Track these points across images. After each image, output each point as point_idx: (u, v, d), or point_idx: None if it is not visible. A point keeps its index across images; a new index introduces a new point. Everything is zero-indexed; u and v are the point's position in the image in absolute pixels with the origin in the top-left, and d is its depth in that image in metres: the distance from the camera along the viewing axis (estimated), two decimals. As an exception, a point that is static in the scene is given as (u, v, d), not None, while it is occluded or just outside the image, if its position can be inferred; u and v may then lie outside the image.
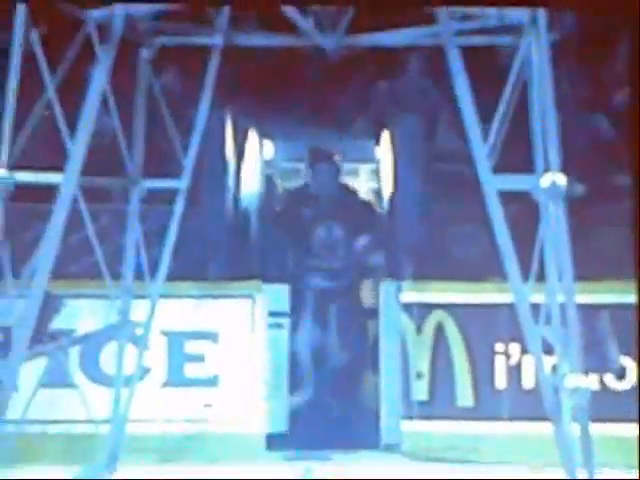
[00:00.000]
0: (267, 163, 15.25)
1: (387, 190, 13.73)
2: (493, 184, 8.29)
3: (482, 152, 8.34)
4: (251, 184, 14.28)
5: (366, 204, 13.30)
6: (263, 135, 14.71)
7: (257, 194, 14.43)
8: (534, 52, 8.52)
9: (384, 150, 13.94)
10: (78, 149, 8.54)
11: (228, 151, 13.12)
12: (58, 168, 8.55)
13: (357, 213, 12.67)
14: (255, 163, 14.56)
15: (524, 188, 8.50)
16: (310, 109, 13.53)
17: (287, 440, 11.32)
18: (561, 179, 8.33)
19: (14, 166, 8.51)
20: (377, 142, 14.16)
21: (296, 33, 10.03)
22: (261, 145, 14.89)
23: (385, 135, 13.76)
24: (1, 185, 8.47)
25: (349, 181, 14.37)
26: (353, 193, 13.21)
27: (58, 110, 8.68)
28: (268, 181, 15.08)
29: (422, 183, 12.54)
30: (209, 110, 10.69)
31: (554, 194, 8.36)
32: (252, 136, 14.26)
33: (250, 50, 10.77)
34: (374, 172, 14.91)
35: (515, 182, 8.54)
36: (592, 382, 8.32)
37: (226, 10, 9.91)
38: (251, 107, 13.36)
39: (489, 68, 9.02)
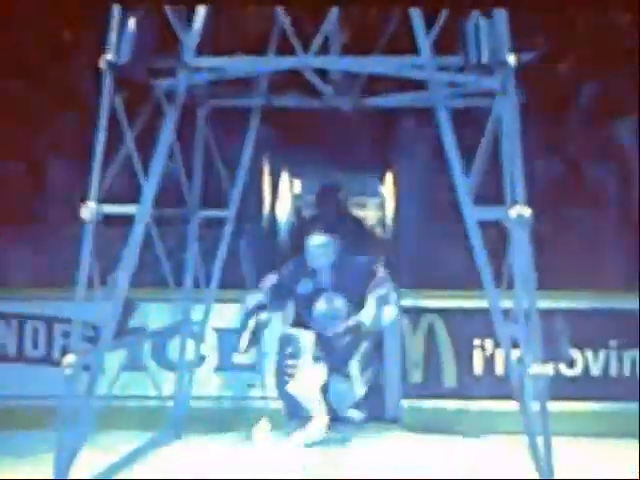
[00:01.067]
0: (295, 197, 15.33)
1: (389, 218, 13.80)
2: (473, 215, 8.38)
3: (464, 189, 8.40)
4: (283, 213, 14.35)
5: (365, 227, 13.19)
6: (293, 175, 14.80)
7: (288, 221, 14.50)
8: (504, 111, 8.53)
9: (387, 187, 13.99)
10: (150, 186, 8.66)
11: (266, 187, 13.20)
12: (135, 201, 8.69)
13: (357, 235, 12.48)
14: (286, 197, 14.64)
15: (497, 217, 8.58)
16: (330, 155, 13.53)
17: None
18: (526, 210, 8.39)
19: (102, 200, 8.62)
20: (382, 181, 14.21)
21: (320, 97, 10.16)
22: (291, 183, 14.99)
23: (388, 175, 13.81)
24: (92, 215, 8.58)
25: (359, 211, 14.47)
26: (355, 220, 13.10)
27: (135, 155, 8.79)
28: (297, 211, 15.14)
29: (417, 212, 12.58)
30: (252, 155, 10.88)
31: (520, 222, 8.42)
32: (284, 176, 14.36)
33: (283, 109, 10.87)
34: (379, 204, 14.96)
35: (489, 213, 8.57)
36: (549, 370, 8.31)
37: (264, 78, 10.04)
38: (284, 154, 13.39)
39: (470, 123, 8.97)
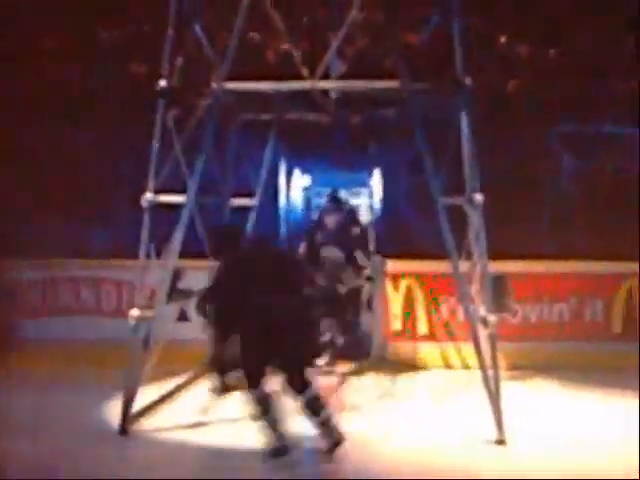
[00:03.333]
0: (305, 189, 15.31)
1: (376, 203, 13.76)
2: (442, 202, 8.30)
3: (435, 182, 8.30)
4: (296, 202, 14.33)
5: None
6: (304, 171, 14.76)
7: (299, 205, 14.49)
8: (463, 123, 8.46)
9: (375, 180, 13.93)
10: (194, 181, 8.60)
11: (282, 182, 13.13)
12: (182, 192, 8.65)
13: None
14: (298, 189, 14.62)
15: (459, 203, 8.52)
16: (333, 157, 13.50)
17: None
18: (479, 197, 8.37)
19: (157, 191, 8.59)
20: (370, 175, 14.16)
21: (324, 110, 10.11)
22: (302, 178, 14.96)
23: (375, 171, 13.76)
24: (149, 204, 8.56)
25: (354, 200, 14.46)
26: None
27: (181, 158, 8.72)
28: (306, 200, 15.12)
29: (398, 199, 12.51)
30: (271, 157, 10.84)
31: (475, 206, 8.40)
32: (297, 172, 14.32)
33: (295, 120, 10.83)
34: (369, 193, 14.93)
35: (454, 200, 8.46)
36: (496, 317, 8.26)
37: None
38: (297, 155, 13.35)
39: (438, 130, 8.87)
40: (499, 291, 8.99)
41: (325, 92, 9.48)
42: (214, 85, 8.48)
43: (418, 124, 8.13)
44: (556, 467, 7.35)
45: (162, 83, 8.50)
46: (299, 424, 7.66)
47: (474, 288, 8.58)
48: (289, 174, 13.64)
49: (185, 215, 8.58)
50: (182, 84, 8.60)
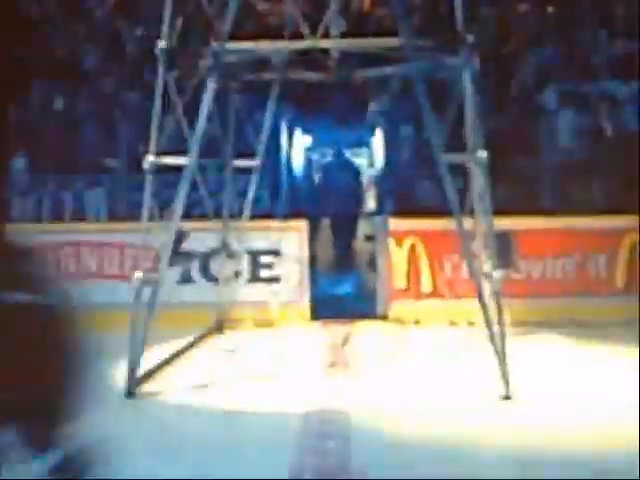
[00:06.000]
0: (307, 149, 15.26)
1: (377, 162, 13.72)
2: (444, 159, 8.24)
3: (437, 140, 8.19)
4: (297, 160, 14.27)
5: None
6: (305, 131, 14.69)
7: (301, 166, 14.45)
8: (465, 80, 8.35)
9: (376, 139, 13.89)
10: (195, 142, 8.50)
11: (284, 141, 13.07)
12: (184, 152, 8.57)
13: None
14: (300, 147, 14.55)
15: (463, 160, 8.44)
16: (335, 118, 13.46)
17: (323, 313, 11.33)
18: (483, 154, 8.31)
19: (159, 153, 8.49)
20: (372, 134, 14.10)
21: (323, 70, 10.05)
22: (303, 138, 14.88)
23: (377, 130, 13.71)
24: (151, 165, 8.48)
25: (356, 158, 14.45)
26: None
27: (183, 118, 8.65)
28: (307, 158, 15.07)
29: (400, 158, 12.48)
30: (273, 117, 10.78)
31: (479, 162, 8.33)
32: (298, 132, 14.24)
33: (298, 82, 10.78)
34: (370, 152, 14.89)
35: (457, 157, 8.41)
36: (501, 273, 8.22)
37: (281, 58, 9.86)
38: (298, 114, 13.30)
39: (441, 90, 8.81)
40: (503, 247, 8.96)
41: (326, 51, 9.41)
42: (214, 45, 8.41)
43: (420, 80, 8.03)
44: (562, 421, 7.32)
45: (162, 44, 8.40)
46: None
47: (477, 245, 8.54)
48: (290, 134, 13.56)
49: (187, 177, 8.51)
50: (182, 45, 8.47)
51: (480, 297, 8.21)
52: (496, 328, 8.14)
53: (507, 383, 7.95)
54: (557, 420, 7.39)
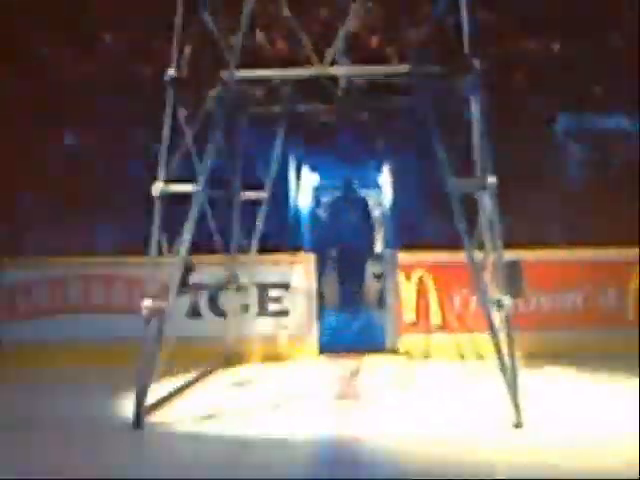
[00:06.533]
0: (316, 189, 15.28)
1: (386, 200, 13.73)
2: (453, 184, 8.19)
3: (447, 170, 8.22)
4: (306, 198, 14.28)
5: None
6: (312, 169, 14.72)
7: (309, 204, 14.46)
8: (473, 103, 8.36)
9: (384, 178, 13.91)
10: (203, 170, 8.53)
11: (292, 176, 13.05)
12: (192, 181, 8.57)
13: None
14: (308, 186, 14.57)
15: (472, 186, 8.34)
16: (342, 156, 13.50)
17: (331, 346, 11.27)
18: (492, 180, 8.22)
19: (168, 180, 8.49)
20: (379, 171, 14.11)
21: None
22: (311, 175, 14.92)
23: (385, 169, 13.73)
24: (161, 192, 8.46)
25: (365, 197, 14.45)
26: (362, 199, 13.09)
27: (192, 148, 8.64)
28: (315, 197, 15.10)
29: (409, 194, 12.48)
30: (280, 152, 10.80)
31: (489, 189, 8.28)
32: (305, 169, 14.27)
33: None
34: (380, 192, 14.91)
35: (466, 182, 8.36)
36: (510, 299, 8.14)
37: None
38: (306, 152, 13.33)
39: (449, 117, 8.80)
40: (513, 276, 8.88)
41: (334, 82, 9.44)
42: (224, 74, 8.45)
43: (428, 107, 8.04)
44: (573, 449, 7.24)
45: (171, 72, 8.43)
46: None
47: (487, 276, 8.49)
48: (298, 170, 13.59)
49: (196, 206, 8.51)
50: (191, 74, 8.51)
51: (490, 325, 8.15)
52: (506, 354, 8.07)
53: (518, 410, 7.88)
54: (568, 447, 7.28)
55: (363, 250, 13.34)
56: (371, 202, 14.97)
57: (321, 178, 15.20)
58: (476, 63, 8.25)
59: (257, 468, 6.98)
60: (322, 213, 14.43)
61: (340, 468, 7.09)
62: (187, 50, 8.52)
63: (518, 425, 7.82)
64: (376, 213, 14.66)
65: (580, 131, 12.15)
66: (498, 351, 8.11)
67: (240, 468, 6.97)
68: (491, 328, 8.15)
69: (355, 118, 11.69)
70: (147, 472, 6.96)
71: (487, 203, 8.32)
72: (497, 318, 8.22)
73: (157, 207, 8.42)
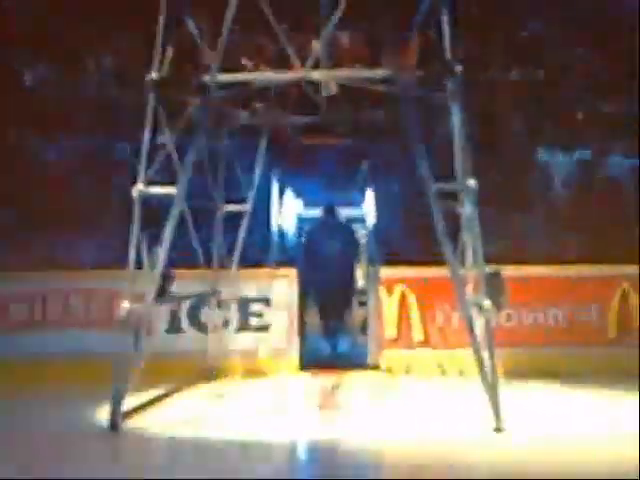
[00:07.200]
0: (299, 217, 15.23)
1: (370, 221, 13.67)
2: (434, 188, 8.13)
3: (426, 171, 8.18)
4: (288, 222, 14.25)
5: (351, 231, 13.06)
6: (296, 194, 14.69)
7: (292, 229, 14.42)
8: (453, 108, 8.34)
9: (368, 200, 13.87)
10: (184, 173, 8.53)
11: (274, 194, 12.94)
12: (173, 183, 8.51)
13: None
14: (291, 210, 14.54)
15: (452, 188, 8.32)
16: (324, 181, 13.49)
17: (311, 362, 11.18)
18: (472, 182, 8.22)
19: (148, 182, 8.44)
20: (362, 195, 14.09)
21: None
22: (294, 201, 14.89)
23: (368, 192, 13.69)
24: (140, 194, 8.39)
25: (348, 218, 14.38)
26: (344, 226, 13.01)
27: (174, 152, 8.63)
28: (299, 227, 15.04)
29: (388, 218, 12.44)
30: (263, 169, 10.80)
31: (469, 191, 8.25)
32: (289, 192, 14.23)
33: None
34: (362, 214, 14.86)
35: (447, 186, 8.28)
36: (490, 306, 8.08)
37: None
38: (288, 176, 13.29)
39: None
40: (495, 288, 8.85)
41: (317, 91, 9.46)
42: (206, 77, 8.46)
43: (410, 109, 8.05)
44: (553, 454, 7.17)
45: (153, 75, 8.43)
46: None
47: (470, 289, 8.44)
48: (281, 193, 13.55)
49: (176, 210, 8.46)
50: (173, 77, 8.50)
51: (470, 329, 8.10)
52: (487, 357, 8.02)
53: (499, 415, 7.81)
54: (548, 452, 7.23)
55: (347, 285, 12.90)
56: (355, 228, 14.93)
57: (304, 204, 15.16)
58: (458, 68, 8.26)
59: (230, 467, 6.97)
60: (304, 242, 14.25)
61: (318, 468, 7.13)
62: (169, 53, 8.51)
63: (498, 429, 7.76)
64: (362, 241, 14.54)
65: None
66: (478, 356, 8.05)
67: (214, 468, 6.90)
68: (471, 332, 8.10)
69: (337, 141, 11.67)
70: (119, 472, 6.90)
71: (467, 204, 8.27)
72: (478, 324, 8.18)
73: (137, 209, 8.36)
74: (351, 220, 14.56)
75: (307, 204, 15.21)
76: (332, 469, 6.92)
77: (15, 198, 11.73)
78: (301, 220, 15.30)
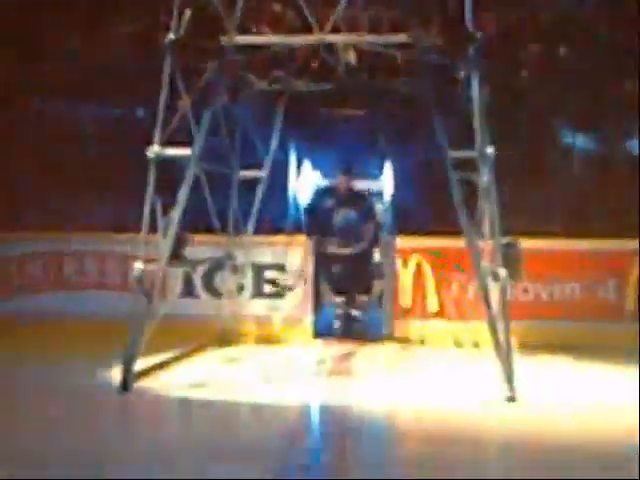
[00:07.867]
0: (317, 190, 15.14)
1: (387, 194, 13.60)
2: (451, 155, 8.05)
3: (444, 138, 8.11)
4: (305, 191, 14.14)
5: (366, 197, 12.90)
6: (314, 166, 14.59)
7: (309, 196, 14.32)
8: (473, 75, 8.23)
9: (385, 173, 13.79)
10: (200, 136, 8.49)
11: (292, 162, 12.87)
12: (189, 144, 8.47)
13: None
14: (309, 182, 14.43)
15: (468, 156, 8.22)
16: (342, 153, 13.40)
17: (325, 331, 11.17)
18: (490, 150, 8.17)
19: (164, 144, 8.37)
20: (381, 170, 14.01)
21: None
22: (312, 172, 14.77)
23: (386, 164, 13.61)
24: (156, 155, 8.35)
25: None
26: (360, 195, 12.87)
27: (189, 114, 8.57)
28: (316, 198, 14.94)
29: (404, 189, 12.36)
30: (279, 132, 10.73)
31: (486, 160, 8.20)
32: (307, 164, 14.15)
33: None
34: (380, 185, 14.76)
35: (464, 154, 8.22)
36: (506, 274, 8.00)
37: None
38: (306, 148, 13.21)
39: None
40: (511, 259, 8.79)
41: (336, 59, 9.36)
42: (223, 39, 8.41)
43: (428, 73, 7.99)
44: (565, 424, 7.13)
45: (170, 36, 8.39)
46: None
47: (486, 260, 8.38)
48: (299, 163, 13.45)
49: (190, 172, 8.45)
50: (190, 39, 8.45)
51: (485, 298, 8.05)
52: (501, 326, 7.97)
53: (511, 385, 7.78)
54: (560, 419, 7.23)
55: (363, 257, 12.71)
56: (373, 199, 14.83)
57: (323, 176, 15.04)
58: (478, 35, 8.17)
59: (242, 428, 7.01)
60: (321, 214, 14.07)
61: (328, 428, 7.14)
62: (187, 16, 8.46)
63: (511, 399, 7.72)
64: (379, 211, 14.41)
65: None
66: (492, 326, 8.02)
67: (225, 428, 6.93)
68: (486, 301, 8.05)
69: (355, 112, 11.60)
70: (131, 430, 6.96)
71: (485, 172, 8.20)
72: (493, 294, 8.13)
73: (152, 170, 8.33)
74: (370, 193, 14.48)
75: (325, 176, 15.08)
76: (342, 431, 6.91)
77: (33, 163, 11.75)
78: (318, 192, 15.16)
